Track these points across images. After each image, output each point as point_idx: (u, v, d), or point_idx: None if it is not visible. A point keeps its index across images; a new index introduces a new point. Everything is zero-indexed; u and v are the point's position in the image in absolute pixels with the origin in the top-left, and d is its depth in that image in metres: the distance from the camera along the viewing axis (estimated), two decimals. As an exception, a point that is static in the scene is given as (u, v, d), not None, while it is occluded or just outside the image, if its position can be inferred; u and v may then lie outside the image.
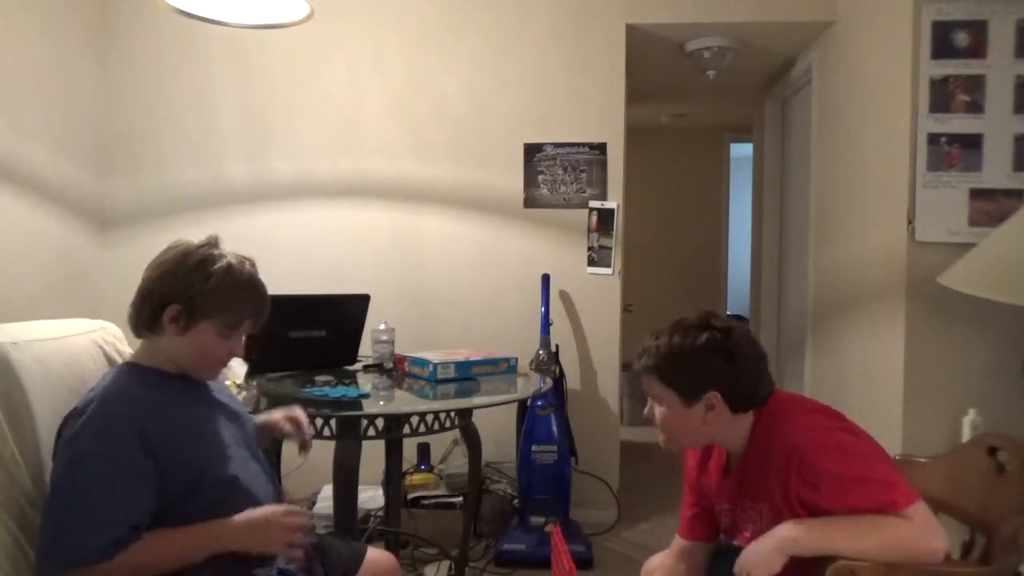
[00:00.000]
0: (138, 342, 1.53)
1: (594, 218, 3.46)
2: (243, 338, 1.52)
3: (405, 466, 3.00)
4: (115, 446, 1.32)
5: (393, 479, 2.71)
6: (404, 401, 2.33)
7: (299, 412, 1.75)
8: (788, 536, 1.35)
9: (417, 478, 3.20)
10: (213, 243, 1.49)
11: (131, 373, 1.46)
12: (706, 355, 1.44)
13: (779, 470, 1.39)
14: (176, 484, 1.36)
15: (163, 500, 1.35)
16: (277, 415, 1.73)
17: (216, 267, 1.44)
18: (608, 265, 3.47)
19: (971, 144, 2.49)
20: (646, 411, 1.54)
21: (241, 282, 1.47)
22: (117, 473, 1.30)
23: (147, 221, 3.51)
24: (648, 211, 5.76)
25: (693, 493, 1.67)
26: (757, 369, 1.47)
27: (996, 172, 2.49)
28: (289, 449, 2.48)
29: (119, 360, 1.67)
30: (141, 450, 1.33)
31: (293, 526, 1.42)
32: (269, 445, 1.86)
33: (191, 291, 1.43)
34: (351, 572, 1.63)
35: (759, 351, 1.49)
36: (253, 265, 1.53)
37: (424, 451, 3.28)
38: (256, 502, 1.44)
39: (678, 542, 1.69)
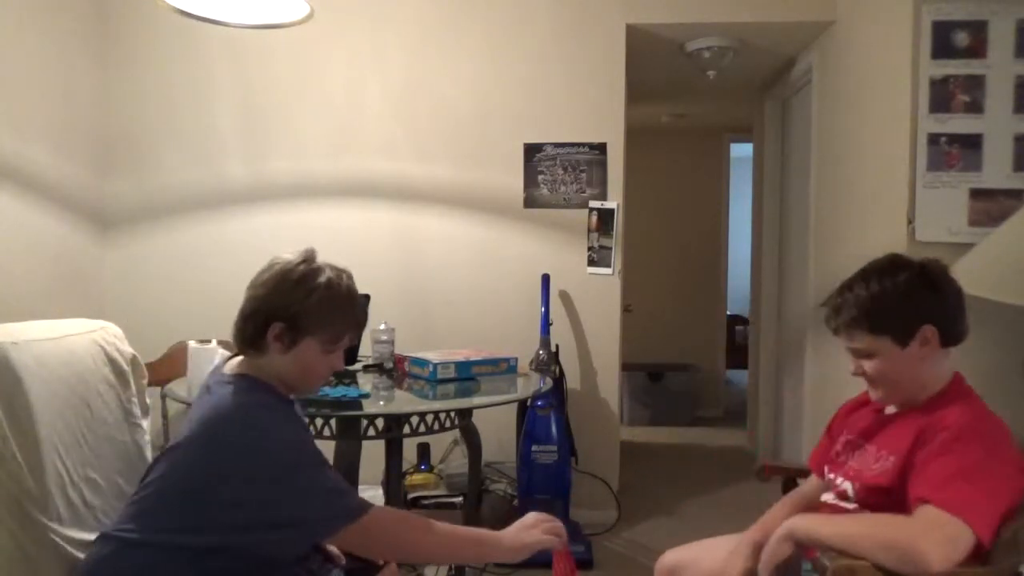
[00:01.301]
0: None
1: (594, 218, 3.46)
2: (342, 352, 1.52)
3: (405, 466, 3.00)
4: (301, 435, 1.45)
5: (393, 479, 2.71)
6: (404, 401, 2.33)
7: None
8: (793, 524, 1.38)
9: (417, 478, 3.20)
10: (311, 258, 1.48)
11: (254, 386, 1.45)
12: (912, 291, 1.43)
13: (925, 434, 1.38)
14: None
15: None
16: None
17: (317, 282, 1.44)
18: (608, 265, 3.47)
19: (971, 144, 2.49)
20: (853, 369, 1.50)
21: (341, 296, 1.47)
22: (318, 455, 1.39)
23: (147, 221, 3.50)
24: (648, 211, 5.76)
25: (830, 435, 1.68)
26: (959, 300, 1.47)
27: (996, 172, 2.49)
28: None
29: (120, 360, 1.67)
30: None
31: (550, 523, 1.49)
32: None
33: (294, 308, 1.42)
34: (355, 572, 1.64)
35: (958, 285, 1.48)
36: (350, 277, 1.52)
37: (424, 451, 3.28)
38: None
39: (814, 479, 1.70)
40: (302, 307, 1.42)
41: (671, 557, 1.75)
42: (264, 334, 1.43)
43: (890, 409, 1.55)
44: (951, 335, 1.45)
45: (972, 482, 1.29)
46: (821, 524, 1.38)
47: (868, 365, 1.47)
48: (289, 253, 1.48)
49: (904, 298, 1.42)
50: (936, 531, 1.24)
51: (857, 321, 1.45)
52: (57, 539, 1.40)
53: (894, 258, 1.49)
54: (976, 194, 2.49)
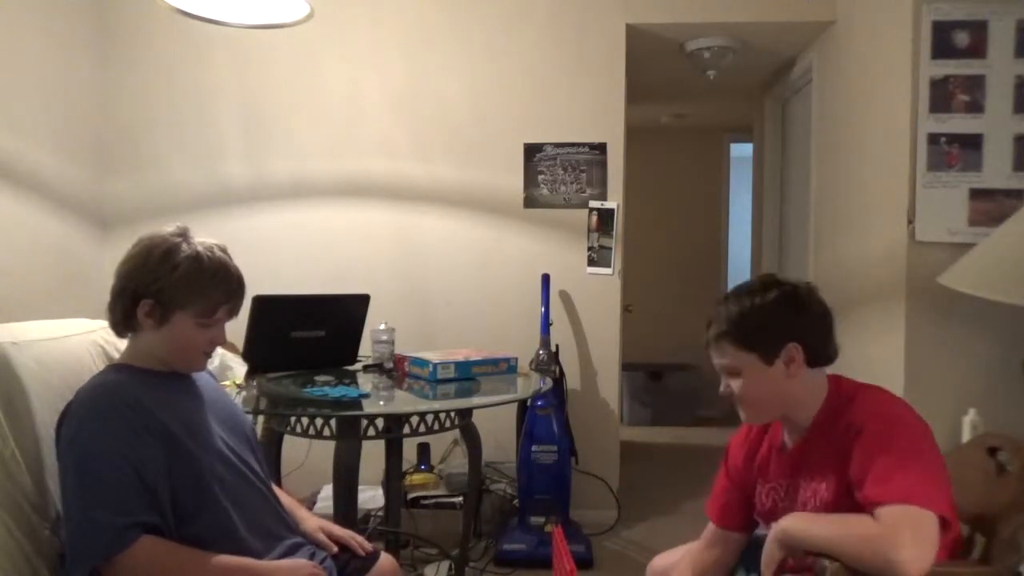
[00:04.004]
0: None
1: (594, 218, 3.46)
2: (224, 326, 1.51)
3: (405, 466, 3.00)
4: (112, 442, 1.32)
5: (393, 479, 2.71)
6: (404, 401, 2.33)
7: (336, 531, 1.67)
8: (782, 526, 1.36)
9: (417, 478, 3.20)
10: (180, 233, 1.47)
11: (120, 371, 1.46)
12: (779, 308, 1.44)
13: (842, 444, 1.38)
14: (180, 475, 1.37)
15: (172, 492, 1.36)
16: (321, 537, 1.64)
17: (182, 256, 1.43)
18: (608, 265, 3.47)
19: (971, 144, 2.49)
20: (722, 388, 1.51)
21: (210, 269, 1.45)
22: (118, 470, 1.31)
23: (147, 221, 3.49)
24: (648, 211, 5.76)
25: (730, 479, 1.64)
26: (827, 321, 1.49)
27: (996, 172, 2.49)
28: (289, 448, 2.48)
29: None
30: (144, 435, 1.34)
31: None
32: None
33: (160, 283, 1.41)
34: (361, 572, 1.64)
35: (827, 306, 1.50)
36: (224, 251, 1.50)
37: (424, 451, 3.28)
38: (228, 513, 1.43)
39: (710, 529, 1.66)
40: (168, 282, 1.41)
41: (663, 561, 1.73)
42: (134, 313, 1.42)
43: (788, 442, 1.53)
44: (817, 355, 1.46)
45: (908, 467, 1.29)
46: (810, 526, 1.35)
47: (735, 385, 1.48)
48: (157, 230, 1.47)
49: (770, 315, 1.44)
50: (901, 533, 1.22)
51: (726, 335, 1.46)
52: (56, 539, 1.40)
53: (767, 278, 1.52)
54: (976, 194, 2.49)
